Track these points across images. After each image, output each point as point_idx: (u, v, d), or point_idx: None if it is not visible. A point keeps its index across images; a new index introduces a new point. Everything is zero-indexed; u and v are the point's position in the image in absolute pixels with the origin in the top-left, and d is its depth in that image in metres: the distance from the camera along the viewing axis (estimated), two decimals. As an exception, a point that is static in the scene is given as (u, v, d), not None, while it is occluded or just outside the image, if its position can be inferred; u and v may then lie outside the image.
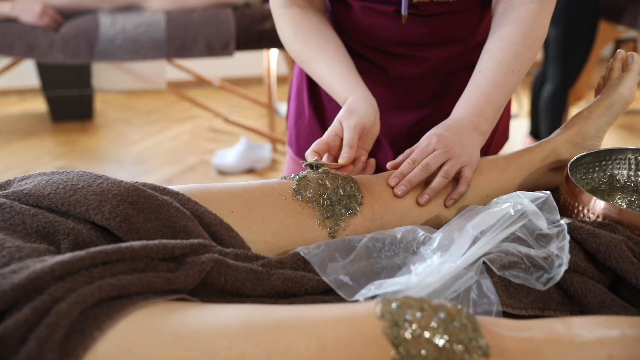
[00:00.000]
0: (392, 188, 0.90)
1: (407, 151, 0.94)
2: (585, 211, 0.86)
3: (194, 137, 3.84)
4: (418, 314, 0.57)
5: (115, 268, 0.60)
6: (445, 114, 1.05)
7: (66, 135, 3.86)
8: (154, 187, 0.77)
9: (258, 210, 0.82)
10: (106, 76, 4.27)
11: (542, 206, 0.81)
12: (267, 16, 2.56)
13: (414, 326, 0.56)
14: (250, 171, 3.29)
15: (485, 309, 0.70)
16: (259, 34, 2.56)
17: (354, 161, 0.96)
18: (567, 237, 0.74)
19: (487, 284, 0.72)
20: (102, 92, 4.36)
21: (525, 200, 0.80)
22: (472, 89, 0.99)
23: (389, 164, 0.93)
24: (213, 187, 0.83)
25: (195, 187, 0.82)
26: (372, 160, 1.01)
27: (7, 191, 0.73)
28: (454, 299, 0.70)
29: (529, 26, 1.00)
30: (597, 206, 0.84)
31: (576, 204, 0.87)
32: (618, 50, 1.05)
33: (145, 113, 4.30)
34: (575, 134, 1.03)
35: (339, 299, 0.69)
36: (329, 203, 0.85)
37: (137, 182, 0.76)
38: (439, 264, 0.70)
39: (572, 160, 0.94)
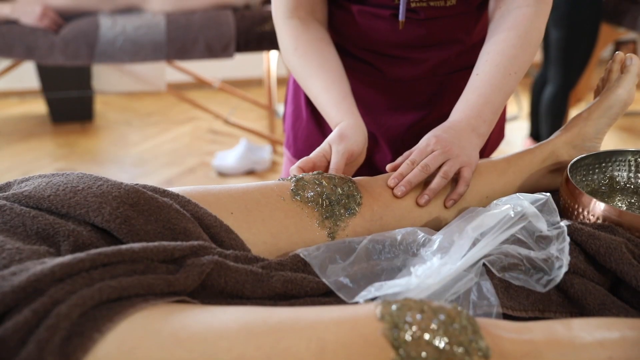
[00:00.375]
0: (392, 189, 0.90)
1: (406, 153, 0.94)
2: (585, 213, 0.86)
3: (194, 139, 3.84)
4: (418, 316, 0.57)
5: (115, 270, 0.60)
6: (443, 114, 1.05)
7: (66, 136, 3.86)
8: (154, 189, 0.77)
9: (257, 212, 0.82)
10: (106, 78, 4.27)
11: (542, 208, 0.81)
12: (267, 18, 2.56)
13: (414, 328, 0.56)
14: (251, 173, 3.29)
15: (485, 310, 0.70)
16: (259, 35, 2.57)
17: None
18: (567, 239, 0.74)
19: (487, 286, 0.72)
20: (102, 94, 4.36)
21: (525, 202, 0.80)
22: (470, 91, 0.99)
23: (388, 166, 0.93)
24: (213, 189, 0.83)
25: (195, 189, 0.82)
26: None
27: (7, 193, 0.73)
28: (454, 300, 0.70)
29: (525, 30, 1.01)
30: (597, 208, 0.84)
31: (576, 206, 0.87)
32: (617, 52, 1.05)
33: (145, 115, 4.31)
34: (575, 136, 1.03)
35: (339, 301, 0.69)
36: (327, 203, 0.85)
37: (137, 184, 0.76)
38: (439, 266, 0.70)
39: (572, 162, 0.94)
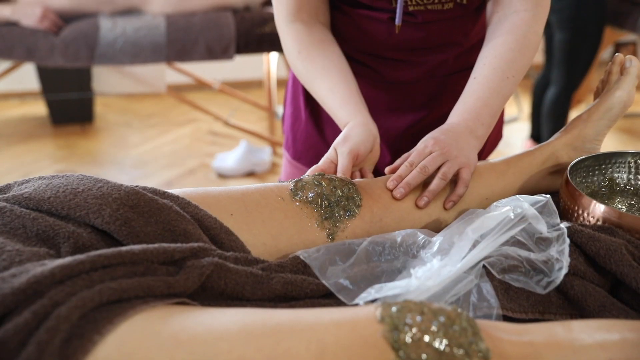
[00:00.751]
0: (391, 191, 0.90)
1: (405, 155, 0.95)
2: (585, 215, 0.86)
3: (194, 141, 3.85)
4: (418, 318, 0.57)
5: (115, 272, 0.60)
6: (441, 116, 1.05)
7: (66, 138, 3.86)
8: (154, 191, 0.78)
9: (257, 213, 0.82)
10: (106, 79, 4.27)
11: (542, 210, 0.81)
12: (267, 19, 2.56)
13: (414, 330, 0.56)
14: (251, 174, 3.29)
15: (485, 312, 0.70)
16: (259, 37, 2.57)
17: None
18: (567, 240, 0.74)
19: (487, 288, 0.72)
20: (102, 96, 4.36)
21: (525, 203, 0.80)
22: (468, 94, 0.99)
23: (386, 169, 0.94)
24: (213, 191, 0.83)
25: (195, 190, 0.82)
26: None
27: (7, 195, 0.73)
28: (454, 302, 0.70)
29: (523, 33, 1.02)
30: (597, 210, 0.84)
31: (576, 208, 0.87)
32: (617, 54, 1.05)
33: (145, 116, 4.31)
34: (575, 138, 1.03)
35: (339, 303, 0.69)
36: (327, 204, 0.85)
37: (137, 186, 0.76)
38: (439, 268, 0.70)
39: (571, 163, 0.94)
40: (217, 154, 3.45)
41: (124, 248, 0.63)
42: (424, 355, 0.55)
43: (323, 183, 0.87)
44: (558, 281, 0.71)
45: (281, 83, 3.91)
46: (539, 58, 5.09)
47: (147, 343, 0.53)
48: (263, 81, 3.89)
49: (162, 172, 3.37)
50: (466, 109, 0.98)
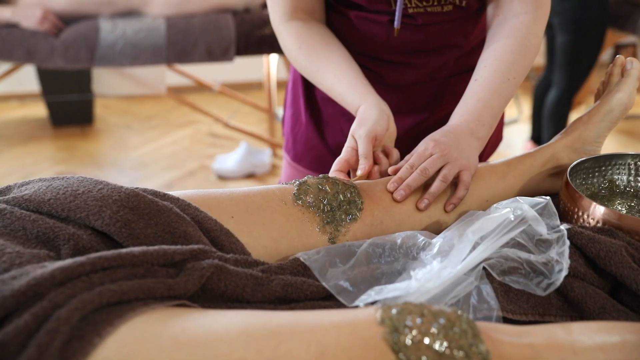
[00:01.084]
0: (391, 193, 0.90)
1: (407, 157, 0.95)
2: (585, 216, 0.86)
3: (194, 142, 3.85)
4: (418, 320, 0.57)
5: (115, 274, 0.60)
6: (442, 118, 1.05)
7: (66, 140, 3.86)
8: (154, 193, 0.77)
9: (258, 216, 0.82)
10: (106, 81, 4.26)
11: (542, 211, 0.81)
12: (267, 21, 2.56)
13: (414, 332, 0.56)
14: (251, 176, 3.29)
15: (485, 314, 0.70)
16: (259, 39, 2.57)
17: (370, 172, 0.97)
18: (567, 242, 0.74)
19: (487, 290, 0.72)
20: (102, 97, 4.36)
21: (525, 205, 0.80)
22: (469, 96, 0.99)
23: (390, 169, 0.94)
24: (213, 193, 0.83)
25: (196, 192, 0.82)
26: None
27: (7, 197, 0.73)
28: (454, 304, 0.70)
29: (524, 36, 1.02)
30: (597, 211, 0.84)
31: (576, 210, 0.87)
32: (617, 56, 1.05)
33: (145, 118, 4.31)
34: (575, 139, 1.03)
35: (339, 305, 0.69)
36: (329, 209, 0.85)
37: (137, 188, 0.76)
38: (439, 270, 0.70)
39: (571, 165, 0.94)
40: (217, 156, 3.45)
41: (124, 250, 0.62)
42: (424, 358, 0.54)
43: (327, 187, 0.87)
44: (558, 283, 0.71)
45: (281, 85, 3.92)
46: (540, 60, 5.10)
47: (147, 345, 0.53)
48: (263, 83, 3.90)
49: (162, 174, 3.37)
50: (467, 110, 0.98)
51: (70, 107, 3.96)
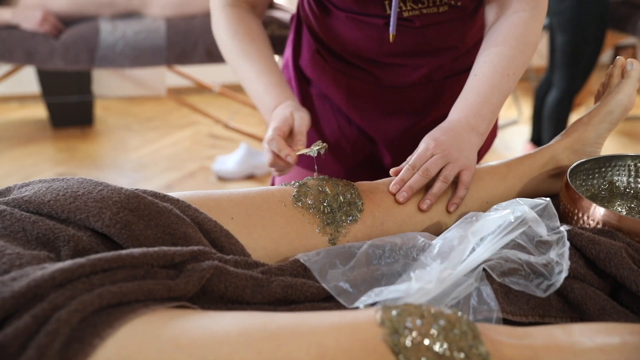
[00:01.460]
0: (394, 195, 0.90)
1: (408, 158, 0.95)
2: (585, 218, 0.86)
3: (194, 144, 3.84)
4: (418, 322, 0.57)
5: (115, 275, 0.60)
6: (440, 117, 1.06)
7: (66, 141, 3.86)
8: (154, 194, 0.77)
9: (258, 217, 0.82)
10: (106, 83, 4.27)
11: (542, 213, 0.81)
12: (267, 23, 2.56)
13: (414, 334, 0.56)
14: (250, 177, 3.29)
15: (486, 316, 0.70)
16: (259, 40, 2.56)
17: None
18: (567, 243, 0.74)
19: (487, 291, 0.72)
20: (102, 99, 4.36)
21: (525, 207, 0.80)
22: (469, 91, 1.00)
23: (391, 170, 0.94)
24: (213, 194, 0.83)
25: (196, 193, 0.82)
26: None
27: (7, 198, 0.73)
28: (454, 306, 0.70)
29: (522, 32, 1.02)
30: (597, 213, 0.84)
31: (576, 211, 0.87)
32: (617, 57, 1.05)
33: (145, 119, 4.31)
34: (575, 141, 1.03)
35: (339, 306, 0.69)
36: (329, 210, 0.85)
37: (137, 189, 0.76)
38: (439, 271, 0.70)
39: (571, 166, 0.94)
40: (217, 157, 3.45)
41: (124, 251, 0.62)
42: (424, 359, 0.54)
43: (327, 189, 0.87)
44: (558, 284, 0.71)
45: (281, 86, 3.90)
46: (542, 62, 5.10)
47: (147, 347, 0.53)
48: (263, 84, 3.88)
49: (162, 175, 3.37)
50: (467, 105, 0.98)
51: (70, 108, 3.96)
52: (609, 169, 1.01)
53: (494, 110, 0.99)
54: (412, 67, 1.15)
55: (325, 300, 0.71)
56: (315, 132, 1.26)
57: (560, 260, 0.73)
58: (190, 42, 2.49)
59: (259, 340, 0.55)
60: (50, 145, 3.82)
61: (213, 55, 2.52)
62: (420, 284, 0.68)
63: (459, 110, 0.98)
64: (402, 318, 0.57)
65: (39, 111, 4.31)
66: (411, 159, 0.93)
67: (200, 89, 3.91)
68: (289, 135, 0.99)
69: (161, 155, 3.67)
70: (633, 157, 1.00)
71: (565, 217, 0.90)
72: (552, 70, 3.22)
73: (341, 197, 0.87)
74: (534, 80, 4.58)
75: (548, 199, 0.83)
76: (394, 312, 0.58)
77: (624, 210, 0.98)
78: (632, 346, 0.61)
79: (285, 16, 2.42)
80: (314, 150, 0.96)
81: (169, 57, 2.49)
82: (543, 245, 0.77)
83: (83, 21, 2.54)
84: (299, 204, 0.85)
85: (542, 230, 0.77)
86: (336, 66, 1.20)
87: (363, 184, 0.93)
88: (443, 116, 1.03)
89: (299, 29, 1.28)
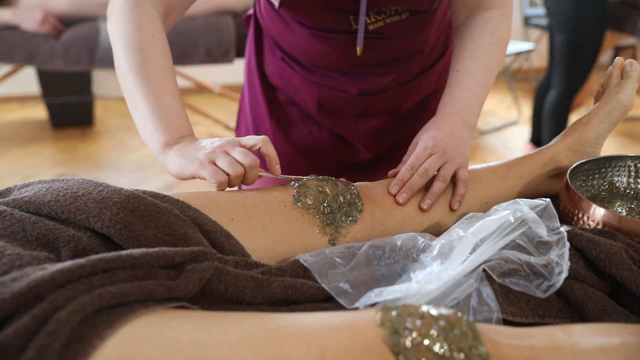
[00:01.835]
0: (394, 196, 0.90)
1: (405, 157, 0.95)
2: (585, 218, 0.86)
3: (194, 144, 3.84)
4: (418, 322, 0.57)
5: (115, 276, 0.60)
6: (407, 112, 1.14)
7: (66, 142, 3.86)
8: (154, 195, 0.77)
9: (258, 218, 0.82)
10: (106, 83, 4.27)
11: (542, 213, 0.81)
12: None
13: (414, 334, 0.56)
14: (250, 178, 3.28)
15: (486, 316, 0.70)
16: (259, 41, 2.57)
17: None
18: (567, 244, 0.74)
19: (487, 292, 0.72)
20: (102, 99, 4.36)
21: (525, 207, 0.80)
22: (455, 86, 1.01)
23: (390, 172, 0.94)
24: (213, 195, 0.83)
25: (196, 194, 0.82)
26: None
27: (7, 199, 0.73)
28: (454, 306, 0.70)
29: (497, 28, 1.05)
30: (597, 213, 0.84)
31: (576, 211, 0.87)
32: (617, 58, 1.05)
33: (145, 120, 4.30)
34: (575, 141, 1.04)
35: (339, 307, 0.69)
36: (329, 210, 0.85)
37: (137, 190, 0.76)
38: (439, 272, 0.70)
39: (571, 167, 0.94)
40: (217, 158, 3.44)
41: (124, 252, 0.62)
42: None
43: (327, 189, 0.87)
44: (558, 285, 0.71)
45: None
46: (542, 62, 5.10)
47: (147, 347, 0.53)
48: (263, 85, 3.89)
49: (162, 176, 3.37)
50: (457, 99, 1.00)
51: (70, 108, 3.96)
52: (609, 169, 1.01)
53: (480, 103, 1.01)
54: (380, 74, 1.16)
55: (325, 301, 0.71)
56: (287, 139, 1.25)
57: (560, 261, 0.73)
58: (190, 43, 2.49)
59: (259, 341, 0.54)
60: (50, 145, 3.82)
61: (213, 56, 2.52)
62: (421, 285, 0.68)
63: (449, 104, 1.00)
64: (402, 319, 0.57)
65: (39, 112, 4.31)
66: (409, 158, 0.93)
67: (201, 89, 3.91)
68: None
69: (161, 155, 3.66)
70: (633, 158, 1.00)
71: (565, 218, 0.90)
72: (551, 70, 3.23)
73: (341, 198, 0.87)
74: (534, 80, 4.58)
75: (548, 199, 0.83)
76: (394, 313, 0.58)
77: (624, 211, 0.98)
78: (632, 347, 0.61)
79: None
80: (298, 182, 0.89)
81: (169, 58, 2.49)
82: (543, 246, 0.77)
83: (83, 22, 2.54)
84: (299, 204, 0.85)
85: (542, 231, 0.77)
86: (304, 75, 1.18)
87: (362, 185, 0.93)
88: (410, 111, 1.08)
89: (259, 33, 1.25)
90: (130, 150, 3.76)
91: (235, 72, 3.92)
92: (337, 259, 0.76)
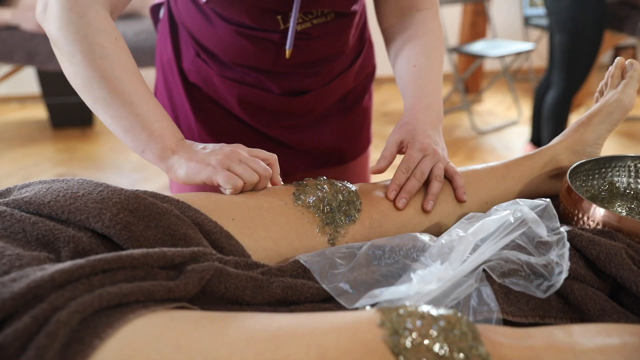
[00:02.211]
0: (392, 201, 0.91)
1: (384, 152, 0.96)
2: (585, 218, 0.86)
3: (194, 144, 3.84)
4: (418, 322, 0.57)
5: (115, 276, 0.60)
6: (324, 110, 1.19)
7: (66, 142, 3.86)
8: (154, 195, 0.77)
9: (260, 218, 0.82)
10: (106, 83, 4.23)
11: (542, 214, 0.81)
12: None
13: (414, 335, 0.56)
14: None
15: (486, 316, 0.70)
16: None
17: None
18: (567, 244, 0.74)
19: (487, 292, 0.72)
20: (102, 99, 4.35)
21: (525, 207, 0.80)
22: (420, 79, 1.04)
23: (371, 169, 0.95)
24: (214, 195, 0.83)
25: (196, 194, 0.82)
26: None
27: (7, 199, 0.73)
28: (454, 306, 0.70)
29: (434, 26, 1.11)
30: (597, 213, 0.84)
31: (576, 212, 0.87)
32: (618, 58, 1.05)
33: (145, 120, 4.30)
34: (575, 141, 1.03)
35: (339, 307, 0.69)
36: (328, 209, 0.85)
37: (137, 190, 0.76)
38: (439, 272, 0.70)
39: (571, 167, 0.94)
40: (217, 158, 3.44)
41: (124, 252, 0.62)
42: (424, 360, 0.54)
43: (326, 187, 0.87)
44: (558, 285, 0.71)
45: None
46: (542, 62, 5.10)
47: (147, 347, 0.53)
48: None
49: (162, 176, 3.37)
50: (426, 93, 1.02)
51: (70, 109, 3.97)
52: (609, 169, 1.01)
53: (440, 94, 1.05)
54: (303, 75, 1.16)
55: (325, 301, 0.71)
56: (212, 137, 1.20)
57: (560, 261, 0.73)
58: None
59: (259, 341, 0.54)
60: (50, 145, 3.82)
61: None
62: (421, 285, 0.68)
63: (422, 98, 1.02)
64: (402, 319, 0.57)
65: (39, 112, 4.31)
66: (402, 161, 0.94)
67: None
68: None
69: (161, 155, 3.66)
70: (633, 158, 1.00)
71: (565, 218, 0.90)
72: (551, 70, 3.23)
73: (340, 196, 0.87)
74: (534, 80, 4.58)
75: (548, 199, 0.83)
76: (394, 313, 0.58)
77: (624, 211, 0.98)
78: (632, 347, 0.61)
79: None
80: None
81: (169, 58, 2.49)
82: (543, 246, 0.77)
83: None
84: (299, 202, 0.85)
85: (542, 231, 0.77)
86: (221, 72, 1.14)
87: (361, 186, 0.93)
88: (326, 110, 1.14)
89: (174, 25, 1.18)
90: (130, 150, 3.75)
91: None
92: (337, 259, 0.76)
